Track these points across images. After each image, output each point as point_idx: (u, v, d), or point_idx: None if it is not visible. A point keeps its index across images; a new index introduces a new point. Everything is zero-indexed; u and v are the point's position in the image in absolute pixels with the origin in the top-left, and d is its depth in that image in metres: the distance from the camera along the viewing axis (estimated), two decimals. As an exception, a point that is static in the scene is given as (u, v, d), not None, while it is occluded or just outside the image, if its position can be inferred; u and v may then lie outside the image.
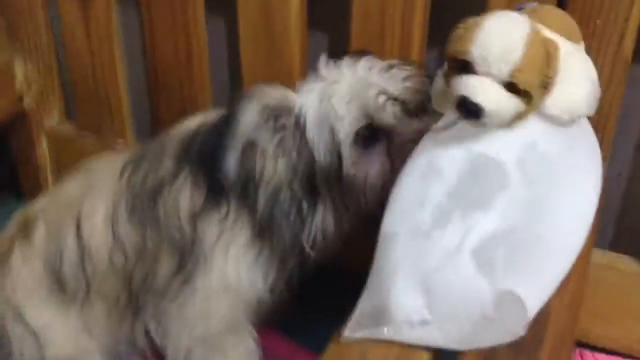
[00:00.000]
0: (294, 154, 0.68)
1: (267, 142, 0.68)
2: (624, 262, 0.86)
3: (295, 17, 0.90)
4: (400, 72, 0.70)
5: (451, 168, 0.54)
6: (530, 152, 0.54)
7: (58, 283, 0.75)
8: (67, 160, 1.13)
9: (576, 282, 0.65)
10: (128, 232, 0.72)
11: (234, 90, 1.08)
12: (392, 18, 0.85)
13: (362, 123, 0.68)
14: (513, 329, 0.50)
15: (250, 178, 0.67)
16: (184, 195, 0.70)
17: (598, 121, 0.79)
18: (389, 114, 0.69)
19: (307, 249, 0.70)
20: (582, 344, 0.89)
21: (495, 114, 0.52)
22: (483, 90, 0.52)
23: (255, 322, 0.78)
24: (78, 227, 0.74)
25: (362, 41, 0.87)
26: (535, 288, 0.52)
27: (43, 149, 1.16)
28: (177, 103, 1.03)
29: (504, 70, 0.52)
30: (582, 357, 0.88)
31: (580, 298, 0.73)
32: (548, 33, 0.56)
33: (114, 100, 1.08)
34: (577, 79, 0.56)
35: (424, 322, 0.51)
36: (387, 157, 0.69)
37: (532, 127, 0.55)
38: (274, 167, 0.68)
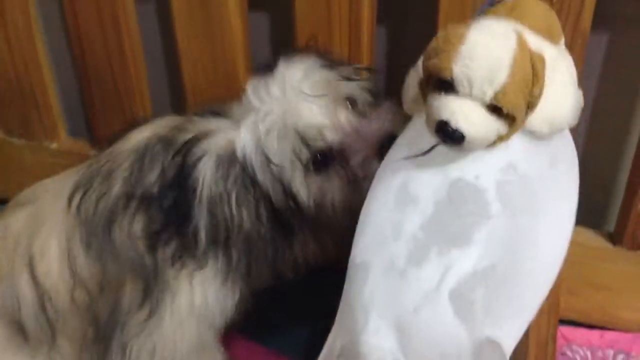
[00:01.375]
0: (251, 200, 0.65)
1: (226, 192, 0.65)
2: (584, 235, 0.87)
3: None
4: (342, 71, 0.67)
5: (427, 195, 0.51)
6: (510, 175, 0.51)
7: (19, 332, 0.70)
8: None
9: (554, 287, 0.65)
10: (87, 268, 0.68)
11: (172, 82, 1.02)
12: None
13: (307, 151, 0.65)
14: None
15: (218, 227, 0.65)
16: (139, 224, 0.66)
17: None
18: (329, 138, 0.65)
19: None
20: (546, 317, 0.91)
21: (478, 139, 0.48)
22: (465, 114, 0.47)
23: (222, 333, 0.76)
24: (31, 270, 0.68)
25: (307, 23, 0.83)
26: (517, 327, 0.49)
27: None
28: (112, 98, 0.96)
29: (488, 92, 0.47)
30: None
31: (557, 300, 0.74)
32: (532, 39, 0.51)
33: (42, 99, 1.00)
34: (560, 90, 0.52)
35: None
36: (347, 176, 0.66)
37: (512, 146, 0.51)
38: (240, 215, 0.65)
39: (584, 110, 0.88)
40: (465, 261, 0.49)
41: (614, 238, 0.85)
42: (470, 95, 0.48)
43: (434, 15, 0.78)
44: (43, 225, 0.69)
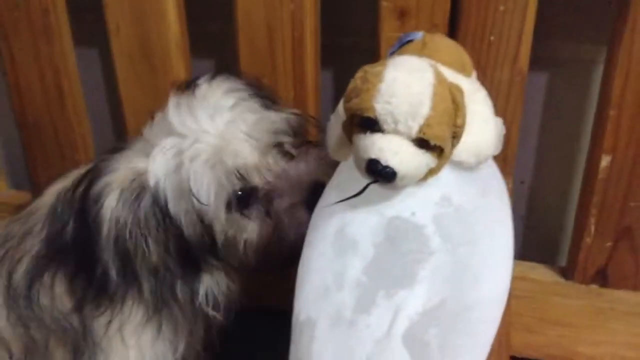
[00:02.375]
0: (159, 231, 0.61)
1: (133, 225, 0.61)
2: (536, 271, 0.87)
3: (175, 45, 0.83)
4: (269, 113, 0.65)
5: (365, 238, 0.49)
6: (446, 208, 0.50)
7: None
8: None
9: (502, 319, 0.63)
10: (9, 332, 0.64)
11: (115, 127, 1.00)
12: (282, 42, 0.80)
13: (233, 188, 0.62)
14: None
15: (126, 262, 0.61)
16: (61, 285, 0.63)
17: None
18: (256, 178, 0.63)
19: (210, 312, 0.65)
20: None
21: (409, 174, 0.48)
22: (393, 151, 0.47)
23: None
24: None
25: (251, 66, 0.82)
26: (473, 358, 0.48)
27: None
28: (53, 148, 0.93)
29: (414, 127, 0.46)
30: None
31: (508, 337, 0.72)
32: (447, 72, 0.52)
33: (-22, 150, 0.97)
34: (480, 120, 0.53)
35: None
36: (267, 217, 0.64)
37: (444, 178, 0.51)
38: (144, 247, 0.61)
39: (529, 147, 0.90)
40: (414, 301, 0.47)
41: (566, 273, 0.86)
42: (396, 132, 0.47)
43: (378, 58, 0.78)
44: None
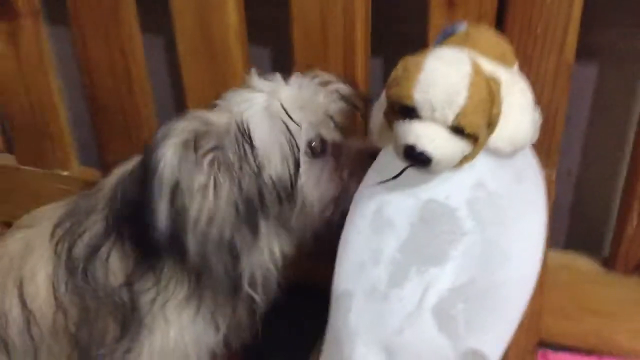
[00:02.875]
0: (236, 172, 0.62)
1: (191, 179, 0.61)
2: (578, 260, 0.88)
3: (234, 32, 0.87)
4: (339, 90, 0.68)
5: (401, 218, 0.53)
6: (479, 192, 0.53)
7: (4, 347, 0.72)
8: (10, 193, 1.09)
9: (533, 301, 0.65)
10: (68, 298, 0.69)
11: (178, 111, 1.05)
12: (333, 31, 0.83)
13: (313, 134, 0.66)
14: None
15: (178, 224, 0.61)
16: (115, 260, 0.67)
17: (546, 127, 0.80)
18: (336, 129, 0.67)
19: (246, 288, 0.66)
20: (542, 343, 0.90)
21: (444, 160, 0.51)
22: (429, 138, 0.50)
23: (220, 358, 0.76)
24: (20, 291, 0.71)
25: (304, 55, 0.85)
26: (498, 338, 0.51)
27: (-17, 183, 1.11)
28: (120, 128, 0.99)
29: (449, 115, 0.50)
30: (544, 357, 0.90)
31: (539, 314, 0.74)
32: (487, 64, 0.55)
33: (54, 130, 1.03)
34: (517, 110, 0.55)
35: None
36: (334, 172, 0.67)
37: (479, 164, 0.54)
38: (200, 203, 0.61)
39: (577, 138, 0.90)
40: (444, 278, 0.50)
41: (608, 263, 0.86)
42: (433, 119, 0.50)
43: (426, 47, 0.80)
44: (35, 250, 0.71)
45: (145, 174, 0.60)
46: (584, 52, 0.77)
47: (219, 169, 0.62)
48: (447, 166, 0.52)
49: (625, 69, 0.85)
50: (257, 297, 0.68)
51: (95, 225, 0.69)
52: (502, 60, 0.58)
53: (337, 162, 0.68)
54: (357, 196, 0.58)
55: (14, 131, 1.06)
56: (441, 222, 0.52)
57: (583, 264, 0.87)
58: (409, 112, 0.51)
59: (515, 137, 0.55)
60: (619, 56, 0.85)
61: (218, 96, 0.75)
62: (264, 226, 0.66)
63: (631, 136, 0.84)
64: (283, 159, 0.64)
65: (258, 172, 0.63)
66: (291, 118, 0.64)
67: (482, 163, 0.54)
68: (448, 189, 0.53)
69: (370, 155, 0.62)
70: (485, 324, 0.50)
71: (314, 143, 0.66)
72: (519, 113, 0.56)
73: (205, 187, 0.61)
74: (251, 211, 0.64)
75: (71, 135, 1.06)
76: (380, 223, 0.54)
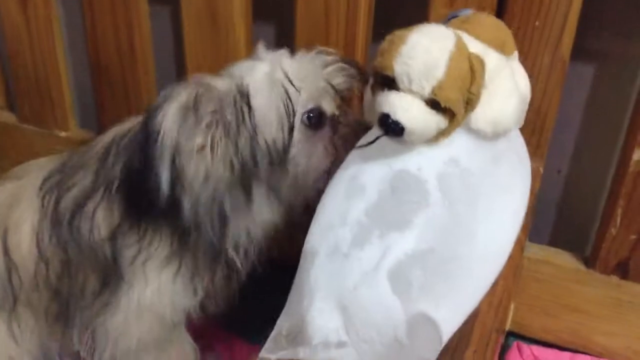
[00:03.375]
0: (232, 134, 0.63)
1: (190, 141, 0.62)
2: (560, 257, 0.88)
3: (238, 7, 0.88)
4: (341, 66, 0.69)
5: (372, 184, 0.54)
6: (452, 168, 0.54)
7: None
8: (10, 150, 1.12)
9: (504, 284, 0.66)
10: (51, 250, 0.70)
11: (178, 80, 1.06)
12: (336, 13, 0.84)
13: (312, 105, 0.67)
14: (425, 354, 0.50)
15: (176, 186, 0.62)
16: (101, 215, 0.68)
17: (536, 120, 0.81)
18: (335, 103, 0.68)
19: (230, 252, 0.67)
20: (518, 336, 0.91)
21: (417, 131, 0.52)
22: (404, 108, 0.51)
23: (196, 321, 0.77)
24: (4, 240, 0.72)
25: (306, 34, 0.87)
26: (453, 310, 0.52)
27: (-17, 138, 1.13)
28: (120, 93, 1.01)
29: (426, 87, 0.51)
30: (519, 349, 0.90)
31: (508, 298, 0.75)
32: (477, 45, 0.56)
33: (56, 92, 1.05)
34: (503, 94, 0.56)
35: (340, 344, 0.51)
36: (329, 145, 0.68)
37: (456, 142, 0.55)
38: (197, 164, 0.62)
39: (569, 138, 0.91)
40: (404, 243, 0.52)
41: (589, 262, 0.87)
42: (410, 91, 0.52)
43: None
44: (22, 201, 0.72)
45: (147, 136, 0.61)
46: (580, 53, 0.78)
47: (216, 130, 0.63)
48: (421, 138, 0.53)
49: (619, 72, 0.85)
50: (238, 262, 0.69)
51: (84, 180, 0.69)
52: (499, 45, 0.59)
53: (334, 135, 0.69)
54: (341, 165, 0.60)
55: (16, 89, 1.09)
56: (409, 191, 0.53)
57: (565, 260, 0.88)
58: (389, 83, 0.53)
59: (498, 120, 0.56)
60: (613, 59, 0.85)
61: (219, 70, 0.76)
62: (256, 191, 0.66)
63: (622, 139, 0.84)
64: (279, 123, 0.65)
65: (254, 135, 0.64)
66: (292, 83, 0.65)
67: (460, 140, 0.55)
68: (421, 161, 0.54)
69: (365, 131, 0.63)
70: (440, 292, 0.51)
71: (312, 114, 0.67)
72: (504, 97, 0.56)
73: (202, 147, 0.63)
74: (245, 174, 0.65)
75: (72, 97, 1.08)
76: (354, 188, 0.55)
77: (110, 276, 0.69)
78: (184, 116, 0.62)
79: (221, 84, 0.66)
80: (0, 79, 1.14)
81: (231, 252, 0.67)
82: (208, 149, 0.63)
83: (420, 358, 0.50)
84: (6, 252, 0.71)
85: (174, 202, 0.63)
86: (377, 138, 0.54)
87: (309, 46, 0.78)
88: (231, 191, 0.65)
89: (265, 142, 0.65)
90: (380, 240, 0.52)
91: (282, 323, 0.54)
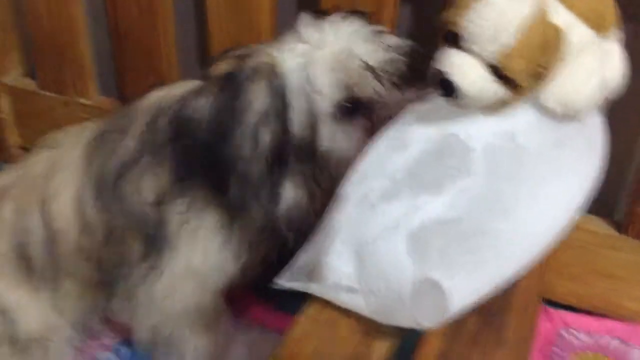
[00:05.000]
0: (274, 123, 0.64)
1: (262, 116, 0.64)
2: (591, 223, 0.87)
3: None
4: (386, 41, 0.67)
5: (416, 143, 0.53)
6: (505, 142, 0.52)
7: (26, 263, 0.73)
8: (29, 118, 1.13)
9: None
10: (94, 217, 0.70)
11: (200, 47, 1.04)
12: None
13: (344, 94, 0.65)
14: (426, 319, 0.50)
15: (226, 152, 0.64)
16: (147, 179, 0.68)
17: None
18: (371, 88, 0.66)
19: (284, 231, 0.67)
20: (548, 301, 0.91)
21: (472, 96, 0.49)
22: (462, 69, 0.49)
23: (230, 291, 0.78)
24: (44, 210, 0.71)
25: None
26: (468, 285, 0.50)
27: (4, 105, 1.13)
28: (140, 61, 1.00)
29: (491, 52, 0.48)
30: (547, 314, 0.91)
31: (547, 263, 0.74)
32: (565, 16, 0.51)
33: (76, 57, 1.03)
34: (583, 74, 0.52)
35: (350, 289, 0.52)
36: (367, 132, 0.66)
37: (519, 116, 0.52)
38: (248, 141, 0.64)
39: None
40: (432, 208, 0.50)
41: (621, 227, 0.84)
42: (473, 52, 0.49)
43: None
44: (60, 169, 0.72)
45: (226, 110, 0.63)
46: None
47: (274, 106, 0.64)
48: (476, 104, 0.51)
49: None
50: (289, 236, 0.68)
51: (128, 144, 0.69)
52: (595, 20, 0.53)
53: (372, 121, 0.67)
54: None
55: (36, 56, 1.07)
56: (452, 157, 0.52)
57: (596, 226, 0.86)
58: (454, 39, 0.50)
59: (571, 101, 0.52)
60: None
61: (240, 39, 0.74)
62: (289, 177, 0.67)
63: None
64: (304, 121, 0.64)
65: (284, 130, 0.64)
66: (313, 89, 0.64)
67: (523, 115, 0.52)
68: (472, 128, 0.52)
69: None
70: (458, 264, 0.50)
71: (342, 105, 0.66)
72: (583, 77, 0.52)
73: (267, 122, 0.63)
74: (277, 162, 0.65)
75: (92, 64, 1.06)
76: (397, 143, 0.54)
77: (156, 241, 0.69)
78: (262, 90, 0.63)
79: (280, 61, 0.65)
80: (19, 45, 1.12)
81: (282, 226, 0.67)
82: (271, 124, 0.64)
83: (420, 322, 0.50)
84: (47, 222, 0.71)
85: (230, 176, 0.63)
86: (430, 95, 0.52)
87: (335, 7, 0.77)
88: (289, 165, 0.65)
89: (294, 136, 0.64)
90: (409, 199, 0.51)
91: (302, 257, 0.55)
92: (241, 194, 0.64)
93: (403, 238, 0.50)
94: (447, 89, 0.49)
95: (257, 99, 0.63)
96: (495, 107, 0.52)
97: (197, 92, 0.67)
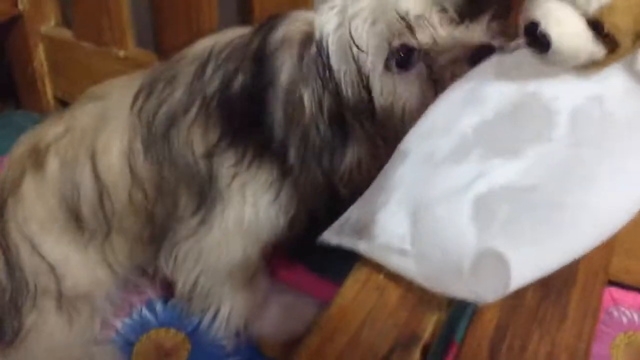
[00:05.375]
0: (318, 87, 0.60)
1: (297, 81, 0.61)
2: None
3: None
4: None
5: (494, 100, 0.47)
6: (592, 107, 0.46)
7: (75, 220, 0.72)
8: (64, 68, 1.10)
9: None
10: (145, 169, 0.68)
11: (241, 5, 1.01)
12: None
13: (393, 45, 0.60)
14: (483, 292, 0.45)
15: (281, 123, 0.61)
16: (197, 131, 0.66)
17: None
18: (423, 33, 0.61)
19: (341, 189, 0.65)
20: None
21: (565, 52, 0.44)
22: (558, 20, 0.43)
23: (272, 252, 0.76)
24: (93, 164, 0.69)
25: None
26: (534, 259, 0.46)
27: (39, 54, 1.11)
28: (180, 13, 0.96)
29: (593, 4, 0.42)
30: (608, 294, 0.87)
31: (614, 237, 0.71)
32: None
33: (113, 8, 1.01)
34: None
35: (402, 251, 0.48)
36: (429, 81, 0.61)
37: (610, 79, 0.46)
38: (300, 106, 0.61)
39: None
40: (504, 173, 0.46)
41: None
42: (573, 2, 0.43)
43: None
44: (108, 122, 0.70)
45: (261, 76, 0.60)
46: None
47: (318, 72, 0.61)
48: (566, 61, 0.45)
49: None
50: (343, 191, 0.66)
51: (177, 94, 0.66)
52: None
53: (431, 70, 0.62)
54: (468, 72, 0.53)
55: (73, 5, 1.05)
56: (533, 119, 0.46)
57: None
58: None
59: None
60: None
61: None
62: (352, 138, 0.64)
63: None
64: (354, 82, 0.61)
65: (336, 94, 0.61)
66: (356, 45, 0.60)
67: (614, 79, 0.47)
68: (560, 89, 0.47)
69: (485, 49, 0.57)
70: (526, 236, 0.45)
71: (395, 56, 0.61)
72: None
73: (298, 93, 0.61)
74: (335, 126, 0.62)
75: (130, 15, 1.02)
76: (472, 98, 0.49)
77: (207, 194, 0.67)
78: (298, 58, 0.60)
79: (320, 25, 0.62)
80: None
81: (338, 184, 0.65)
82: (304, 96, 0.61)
83: (477, 294, 0.46)
84: (97, 176, 0.69)
85: (286, 138, 0.61)
86: (517, 47, 0.47)
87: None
88: (332, 132, 0.62)
89: (348, 99, 0.61)
90: (480, 161, 0.46)
91: (353, 211, 0.51)
92: (301, 156, 0.62)
93: (468, 203, 0.46)
94: (538, 42, 0.44)
95: (285, 69, 0.60)
96: (586, 67, 0.46)
97: (243, 45, 0.63)
